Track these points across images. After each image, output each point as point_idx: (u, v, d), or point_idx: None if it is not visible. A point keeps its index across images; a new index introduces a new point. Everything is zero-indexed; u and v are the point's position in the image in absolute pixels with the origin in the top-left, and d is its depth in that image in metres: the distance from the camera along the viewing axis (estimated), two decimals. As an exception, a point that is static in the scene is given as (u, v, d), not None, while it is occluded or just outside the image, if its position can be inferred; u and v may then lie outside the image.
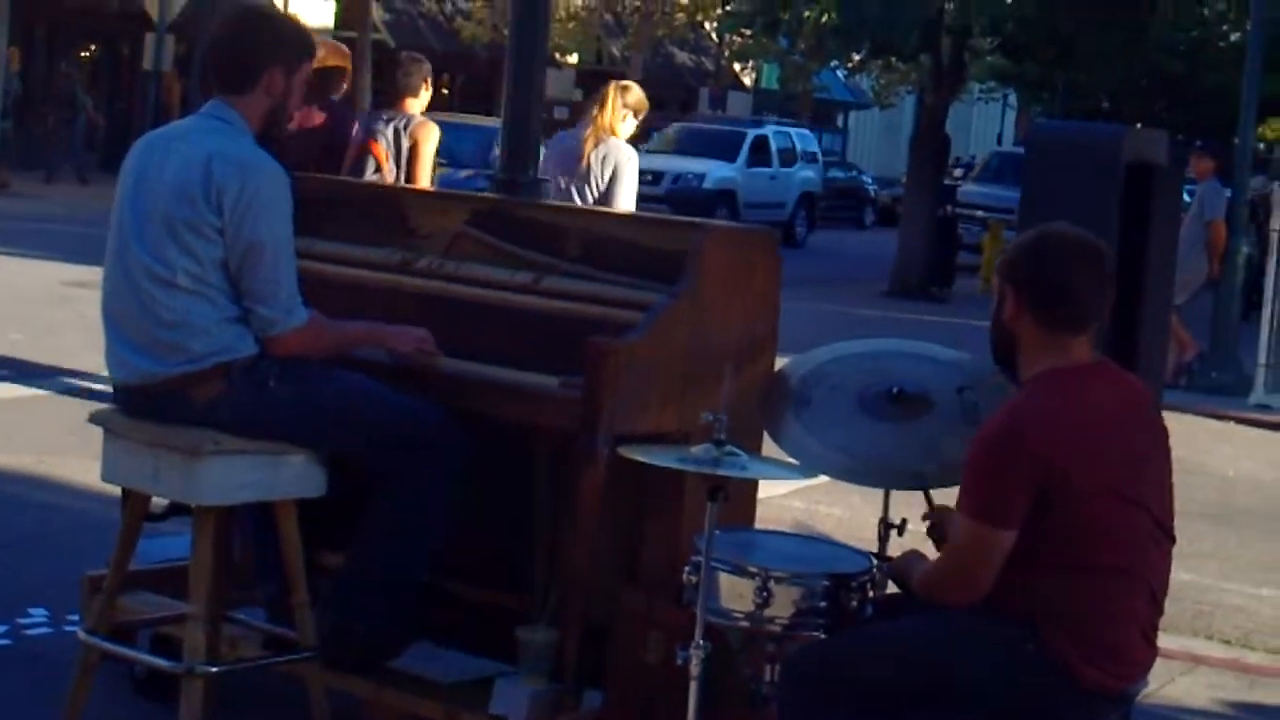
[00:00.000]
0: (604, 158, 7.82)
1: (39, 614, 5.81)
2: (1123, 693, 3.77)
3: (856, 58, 28.08)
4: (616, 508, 4.40)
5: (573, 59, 38.99)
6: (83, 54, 33.12)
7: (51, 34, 31.54)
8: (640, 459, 3.95)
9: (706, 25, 41.20)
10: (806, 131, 34.44)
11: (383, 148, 8.54)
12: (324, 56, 7.80)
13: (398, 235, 5.14)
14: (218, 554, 4.36)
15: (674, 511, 4.50)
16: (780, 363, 4.71)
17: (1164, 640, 4.00)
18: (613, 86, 8.05)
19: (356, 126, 8.55)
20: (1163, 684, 5.99)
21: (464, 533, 4.61)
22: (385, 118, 8.63)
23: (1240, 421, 13.32)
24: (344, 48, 8.83)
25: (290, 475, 4.39)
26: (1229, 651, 6.81)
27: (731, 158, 29.52)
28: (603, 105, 7.94)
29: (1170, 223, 5.28)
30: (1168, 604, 3.92)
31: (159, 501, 4.67)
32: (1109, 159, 4.95)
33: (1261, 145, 35.31)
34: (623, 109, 7.94)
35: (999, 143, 49.81)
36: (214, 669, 4.34)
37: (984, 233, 25.46)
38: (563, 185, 7.75)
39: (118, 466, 4.49)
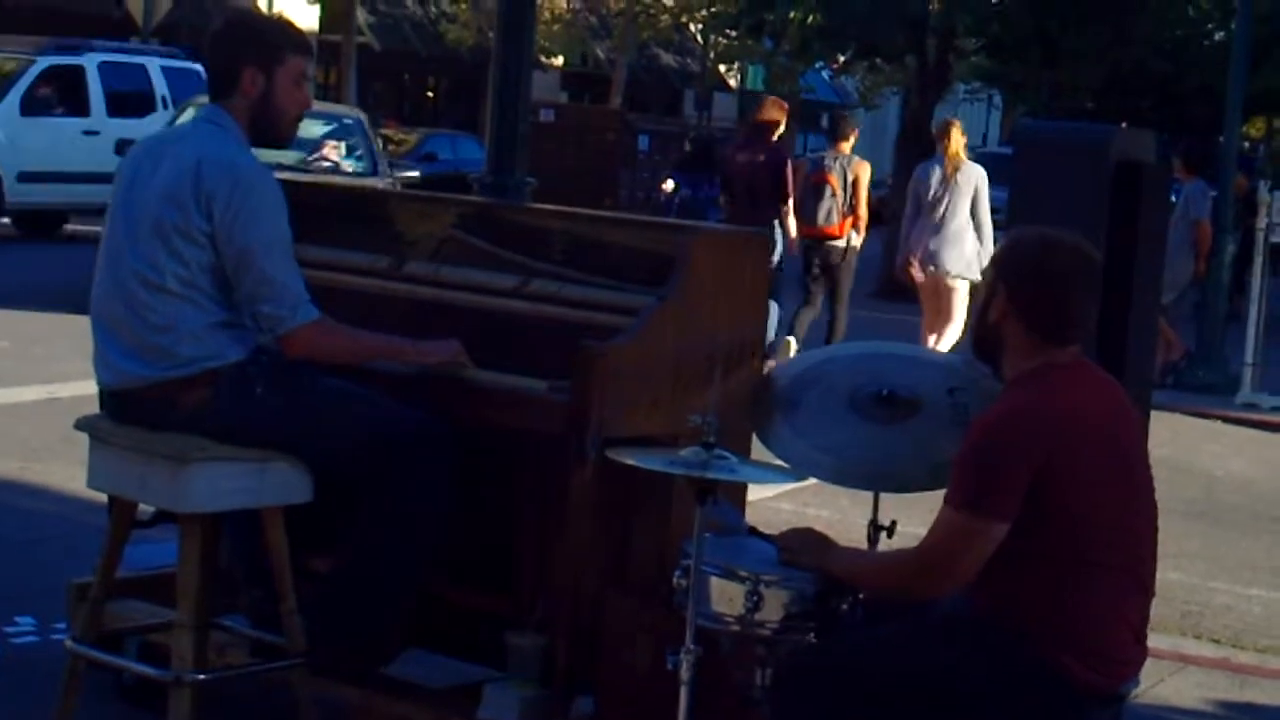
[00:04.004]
0: (966, 178, 11.39)
1: (26, 622, 5.78)
2: (1115, 693, 3.76)
3: (841, 59, 28.08)
4: (605, 512, 4.39)
5: (558, 61, 38.98)
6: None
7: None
8: (629, 462, 3.93)
9: (692, 27, 41.20)
10: (192, 65, 19.91)
11: (836, 179, 12.12)
12: (769, 109, 12.11)
13: (386, 240, 5.13)
14: (205, 561, 4.34)
15: (663, 515, 4.48)
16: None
17: (1153, 640, 3.99)
18: (952, 127, 11.55)
19: (808, 164, 12.28)
20: (1152, 684, 5.98)
21: (452, 537, 4.60)
22: (832, 157, 12.20)
23: (1227, 420, 13.32)
24: (784, 104, 12.71)
25: (277, 482, 4.37)
26: (1218, 651, 6.81)
27: None
28: (948, 142, 11.41)
29: (1158, 222, 5.28)
30: (1157, 604, 3.92)
31: (145, 508, 4.65)
32: (1098, 158, 4.95)
33: (1246, 144, 35.36)
34: (960, 138, 11.51)
35: (984, 143, 49.83)
36: (202, 676, 4.33)
37: (970, 233, 25.40)
38: (928, 199, 11.41)
39: (104, 473, 4.47)
